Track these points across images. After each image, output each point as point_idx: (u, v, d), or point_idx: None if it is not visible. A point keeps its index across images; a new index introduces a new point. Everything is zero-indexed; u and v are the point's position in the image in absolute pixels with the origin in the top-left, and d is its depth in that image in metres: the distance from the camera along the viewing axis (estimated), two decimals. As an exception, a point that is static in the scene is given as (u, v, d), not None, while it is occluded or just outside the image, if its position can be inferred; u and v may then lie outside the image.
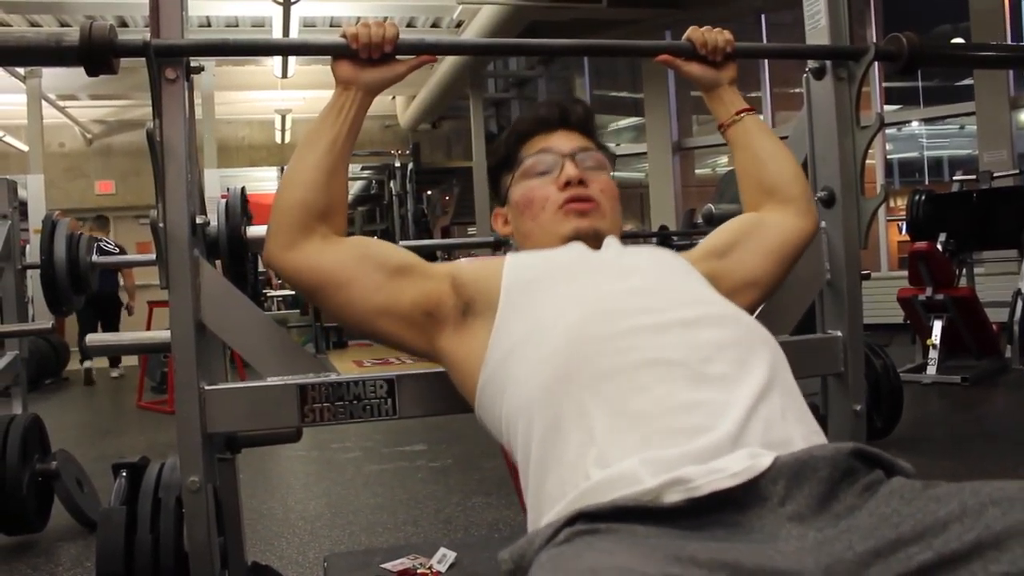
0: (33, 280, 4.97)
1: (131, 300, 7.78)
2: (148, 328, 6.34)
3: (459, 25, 8.66)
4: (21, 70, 8.77)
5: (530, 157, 1.28)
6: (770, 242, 1.31)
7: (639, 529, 0.77)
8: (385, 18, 8.81)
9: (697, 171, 10.12)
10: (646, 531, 0.77)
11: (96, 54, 1.15)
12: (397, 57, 1.27)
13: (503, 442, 1.06)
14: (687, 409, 0.90)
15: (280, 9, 7.05)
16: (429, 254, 7.97)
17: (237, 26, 8.85)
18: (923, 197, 5.43)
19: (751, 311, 1.26)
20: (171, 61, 1.23)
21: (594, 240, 1.21)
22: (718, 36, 1.38)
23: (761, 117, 6.86)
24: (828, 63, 1.55)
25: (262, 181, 12.93)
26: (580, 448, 0.90)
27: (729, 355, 0.96)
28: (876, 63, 1.54)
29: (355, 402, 1.24)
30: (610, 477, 0.85)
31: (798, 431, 0.92)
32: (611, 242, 1.23)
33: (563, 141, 1.29)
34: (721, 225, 1.38)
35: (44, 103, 9.55)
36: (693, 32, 1.39)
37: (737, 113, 1.41)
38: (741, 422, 0.88)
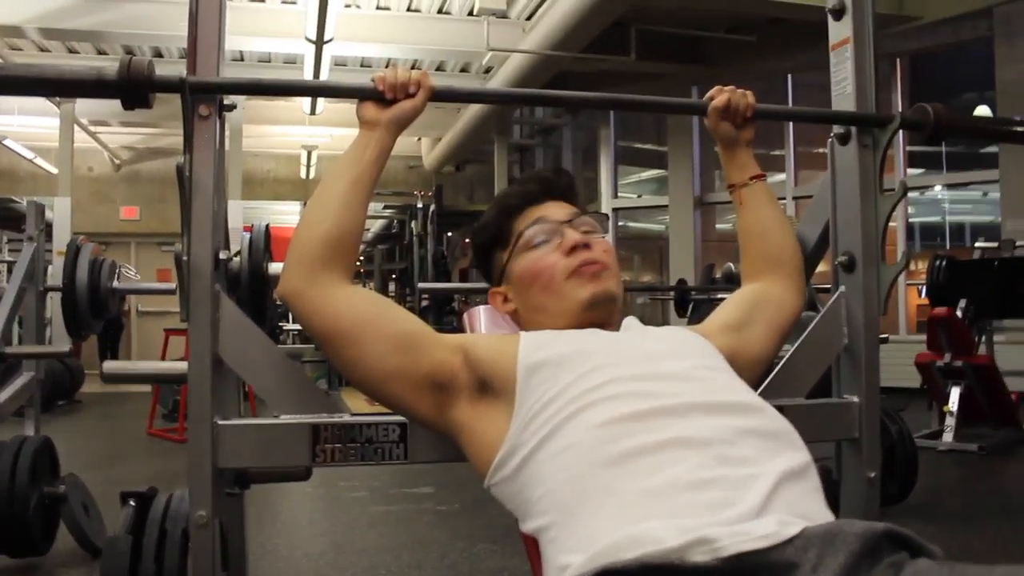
0: (52, 301, 5.03)
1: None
2: (163, 356, 6.37)
3: (488, 71, 8.78)
4: (57, 95, 8.95)
5: (527, 229, 1.27)
6: (780, 321, 1.35)
7: None
8: (415, 62, 8.96)
9: (718, 226, 10.14)
10: None
11: (134, 89, 1.17)
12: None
13: (521, 520, 1.04)
14: (709, 484, 0.89)
15: (312, 48, 7.18)
16: (446, 297, 8.03)
17: (270, 62, 9.01)
18: (944, 262, 5.42)
19: (755, 387, 1.26)
20: (205, 98, 1.25)
21: (609, 305, 1.21)
22: (740, 99, 1.40)
23: (783, 176, 6.86)
24: (853, 129, 1.56)
25: (285, 215, 13.09)
26: (600, 522, 0.90)
27: (754, 442, 0.96)
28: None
29: (367, 444, 1.24)
30: (632, 535, 0.84)
31: (823, 514, 0.92)
32: (630, 323, 1.24)
33: (555, 210, 1.29)
34: (733, 296, 1.40)
35: (76, 128, 9.73)
36: (716, 92, 1.41)
37: (751, 178, 1.43)
38: (766, 495, 0.88)
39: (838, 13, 1.60)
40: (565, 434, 0.99)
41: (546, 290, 1.23)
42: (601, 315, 1.20)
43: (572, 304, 1.20)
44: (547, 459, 1.00)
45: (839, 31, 1.61)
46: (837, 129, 1.59)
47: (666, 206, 9.98)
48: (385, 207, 12.13)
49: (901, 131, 1.56)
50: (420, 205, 9.74)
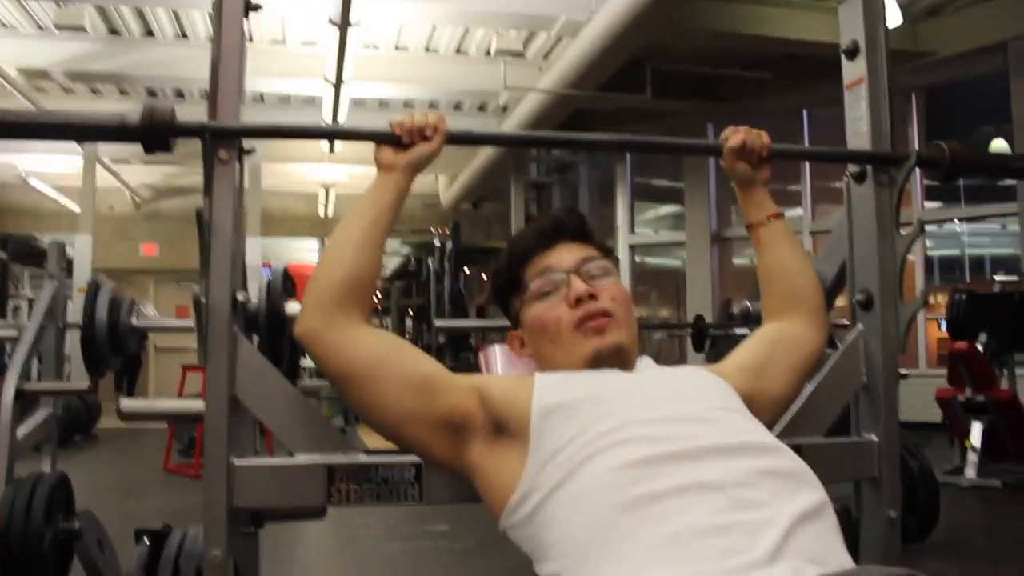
0: (72, 338, 5.08)
1: None
2: (181, 391, 6.40)
3: (505, 109, 8.86)
4: (80, 134, 9.09)
5: (534, 280, 1.27)
6: (800, 360, 1.34)
7: None
8: (431, 102, 9.05)
9: (735, 261, 10.12)
10: None
11: (156, 135, 1.19)
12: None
13: (536, 563, 1.04)
14: (723, 530, 0.89)
15: (331, 89, 7.28)
16: (463, 335, 8.04)
17: (290, 102, 9.13)
18: (964, 296, 5.37)
19: (772, 426, 1.25)
20: (225, 143, 1.27)
21: (617, 357, 1.20)
22: (755, 139, 1.40)
23: (800, 210, 6.81)
24: (869, 167, 1.56)
25: (303, 251, 13.19)
26: (614, 568, 0.90)
27: (770, 483, 0.95)
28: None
29: (382, 485, 1.24)
30: None
31: (840, 557, 0.91)
32: (645, 364, 1.23)
33: (564, 256, 1.27)
34: (753, 335, 1.39)
35: (98, 166, 9.88)
36: (731, 133, 1.42)
37: (769, 216, 1.43)
38: (779, 541, 0.87)
39: (852, 53, 1.61)
40: (580, 477, 0.99)
41: (553, 343, 1.23)
42: (611, 364, 1.20)
43: (576, 359, 1.20)
44: (563, 502, 0.99)
45: (853, 71, 1.62)
46: (852, 168, 1.59)
47: (683, 242, 9.99)
48: (403, 243, 12.20)
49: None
50: (437, 243, 9.78)
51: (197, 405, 1.43)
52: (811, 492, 0.97)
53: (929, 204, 8.82)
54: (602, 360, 1.19)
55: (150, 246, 12.43)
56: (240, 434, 1.26)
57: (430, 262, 9.73)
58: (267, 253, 10.25)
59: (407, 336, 9.50)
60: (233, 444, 1.23)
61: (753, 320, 1.87)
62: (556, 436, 1.05)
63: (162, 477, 5.69)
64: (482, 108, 9.34)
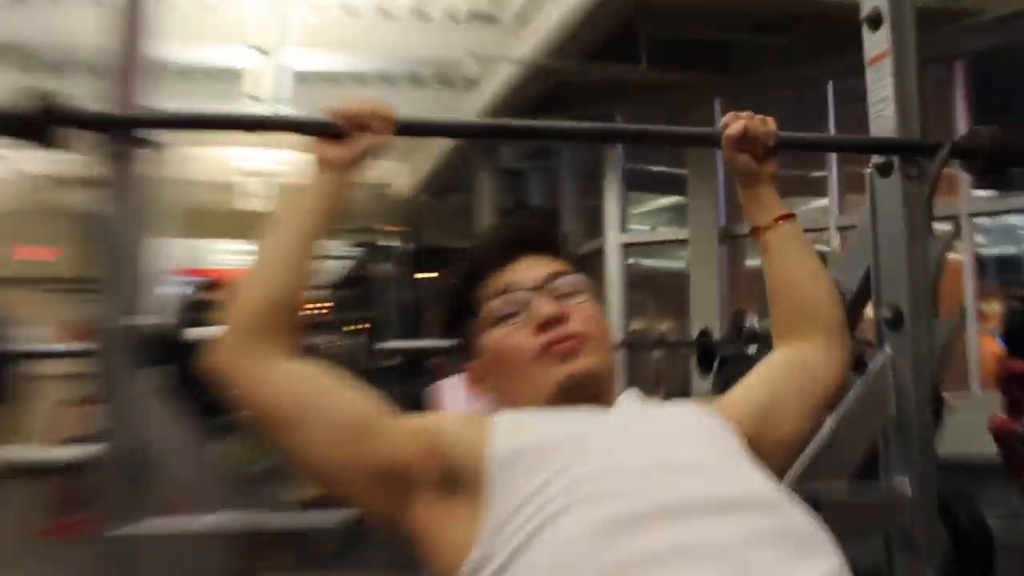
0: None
1: None
2: (64, 432, 6.29)
3: (474, 83, 8.83)
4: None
5: (492, 300, 1.26)
6: (815, 393, 1.34)
7: None
8: (385, 76, 9.01)
9: (748, 263, 10.12)
10: None
11: (30, 126, 1.18)
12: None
13: None
14: None
15: (263, 60, 7.23)
16: (419, 357, 7.96)
17: (212, 76, 9.04)
18: (1021, 304, 5.39)
19: (783, 472, 1.26)
20: (123, 134, 1.26)
21: (590, 388, 1.20)
22: (759, 126, 1.41)
23: (826, 201, 6.76)
24: (896, 158, 1.57)
25: (234, 254, 13.08)
26: None
27: (774, 547, 0.95)
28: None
29: (310, 548, 1.23)
30: None
31: None
32: (628, 399, 1.23)
33: (527, 271, 1.27)
34: (760, 365, 1.39)
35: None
36: (731, 119, 1.42)
37: (776, 219, 1.43)
38: None
39: (874, 22, 1.62)
40: (549, 539, 0.98)
41: (514, 375, 1.22)
42: (584, 396, 1.19)
43: (543, 390, 1.20)
44: (528, 569, 0.99)
45: (876, 42, 1.63)
46: (876, 158, 1.60)
47: (686, 240, 9.98)
48: (347, 244, 12.13)
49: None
50: (390, 243, 9.74)
51: (74, 453, 1.41)
52: (825, 557, 0.98)
53: (978, 194, 8.85)
54: (573, 390, 1.19)
55: (37, 250, 12.25)
56: (136, 488, 1.25)
57: (380, 267, 9.68)
58: (190, 257, 10.14)
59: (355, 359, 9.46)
60: (127, 502, 1.21)
61: (760, 341, 1.88)
62: (518, 488, 1.04)
63: (41, 539, 5.58)
64: (446, 82, 9.31)
